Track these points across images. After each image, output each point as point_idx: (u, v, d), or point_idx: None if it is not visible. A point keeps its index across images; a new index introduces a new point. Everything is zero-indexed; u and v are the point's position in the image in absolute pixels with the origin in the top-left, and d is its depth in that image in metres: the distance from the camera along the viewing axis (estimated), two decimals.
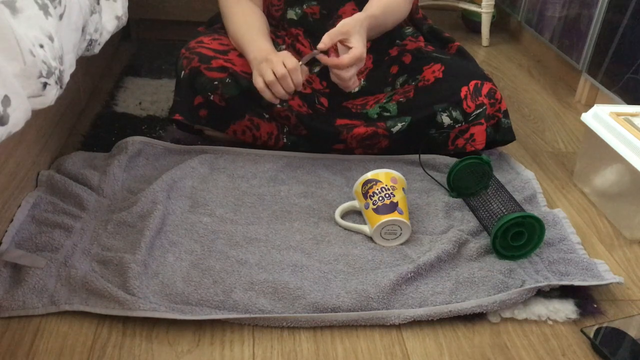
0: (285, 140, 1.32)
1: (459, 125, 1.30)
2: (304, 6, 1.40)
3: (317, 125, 1.30)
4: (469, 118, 1.30)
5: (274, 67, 1.17)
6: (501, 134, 1.35)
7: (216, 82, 1.25)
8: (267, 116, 1.29)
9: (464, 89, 1.30)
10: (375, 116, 1.33)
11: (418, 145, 1.31)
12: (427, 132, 1.31)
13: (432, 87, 1.32)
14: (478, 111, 1.29)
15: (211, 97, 1.26)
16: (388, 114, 1.33)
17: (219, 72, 1.25)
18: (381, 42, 1.43)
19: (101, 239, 1.04)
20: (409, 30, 1.49)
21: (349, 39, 1.19)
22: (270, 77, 1.17)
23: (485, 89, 1.30)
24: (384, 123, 1.30)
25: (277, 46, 1.41)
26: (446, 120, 1.30)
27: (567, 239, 1.14)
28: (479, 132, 1.31)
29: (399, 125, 1.30)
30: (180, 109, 1.29)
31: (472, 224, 1.14)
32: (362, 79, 1.42)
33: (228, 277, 0.97)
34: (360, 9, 1.38)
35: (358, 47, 1.18)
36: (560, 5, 1.93)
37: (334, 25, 1.37)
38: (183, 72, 1.27)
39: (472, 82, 1.31)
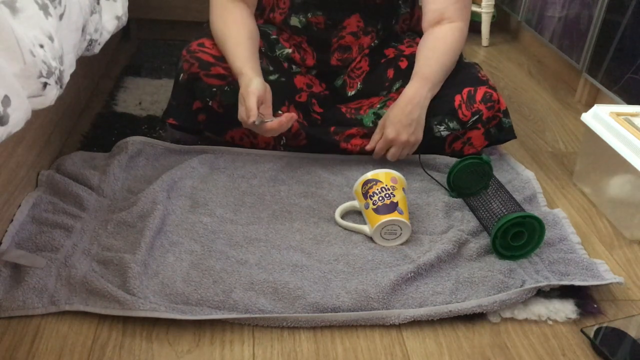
0: (282, 149, 1.32)
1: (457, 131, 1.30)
2: (309, 15, 1.37)
3: (316, 135, 1.30)
4: (466, 126, 1.30)
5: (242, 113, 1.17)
6: (503, 133, 1.35)
7: (215, 89, 1.25)
8: None
9: (458, 98, 1.29)
10: (371, 124, 1.32)
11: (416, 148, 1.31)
12: (424, 141, 1.30)
13: None
14: (474, 118, 1.29)
15: (210, 103, 1.26)
16: None
17: (218, 80, 1.25)
18: (378, 46, 1.43)
19: (101, 239, 1.04)
20: (408, 33, 1.49)
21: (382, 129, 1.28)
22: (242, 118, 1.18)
23: (479, 94, 1.30)
24: None
25: (280, 49, 1.40)
26: (445, 133, 1.30)
27: (567, 239, 1.14)
28: (477, 136, 1.31)
29: None
30: (174, 113, 1.29)
31: (472, 224, 1.14)
32: (359, 82, 1.41)
33: (228, 277, 0.97)
34: (365, 22, 1.37)
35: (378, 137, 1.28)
36: (560, 5, 1.93)
37: (338, 37, 1.36)
38: (182, 76, 1.27)
39: (465, 90, 1.30)
